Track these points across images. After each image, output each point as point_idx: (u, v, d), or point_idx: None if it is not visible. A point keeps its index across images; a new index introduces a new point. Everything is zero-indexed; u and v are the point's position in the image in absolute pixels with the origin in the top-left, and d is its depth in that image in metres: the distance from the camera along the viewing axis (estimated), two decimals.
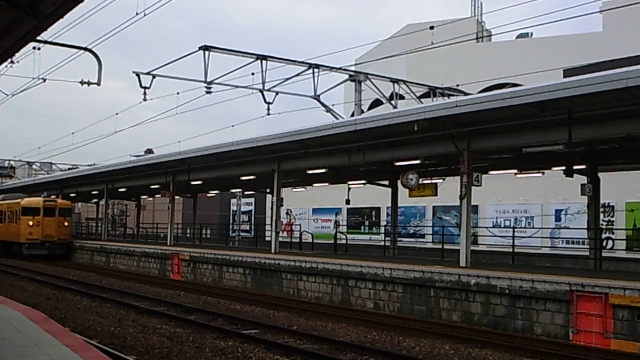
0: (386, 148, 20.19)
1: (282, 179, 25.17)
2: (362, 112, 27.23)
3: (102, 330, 13.39)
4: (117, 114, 46.27)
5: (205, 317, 15.77)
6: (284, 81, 23.34)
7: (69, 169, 50.64)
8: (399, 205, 28.37)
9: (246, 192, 43.76)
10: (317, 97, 24.06)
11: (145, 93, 22.07)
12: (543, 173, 22.07)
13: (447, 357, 11.74)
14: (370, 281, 18.15)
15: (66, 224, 38.46)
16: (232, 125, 52.88)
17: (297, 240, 34.78)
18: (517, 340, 13.39)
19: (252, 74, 22.52)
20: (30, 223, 36.75)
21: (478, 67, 36.48)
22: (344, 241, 33.37)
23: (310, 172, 25.52)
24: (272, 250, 24.85)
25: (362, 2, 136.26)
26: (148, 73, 22.08)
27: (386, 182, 27.44)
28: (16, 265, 32.12)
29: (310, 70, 23.30)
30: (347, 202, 30.97)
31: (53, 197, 40.75)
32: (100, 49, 26.78)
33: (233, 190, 41.65)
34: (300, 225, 41.67)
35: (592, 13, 29.92)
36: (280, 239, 25.99)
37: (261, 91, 22.78)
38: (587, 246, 22.79)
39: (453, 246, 23.89)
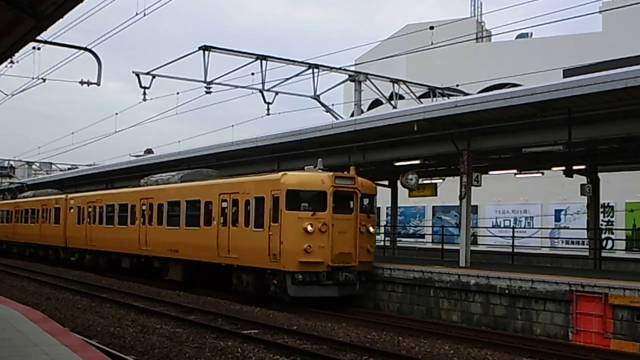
0: (386, 148, 20.19)
1: None
2: (362, 112, 27.21)
3: (102, 330, 13.38)
4: (117, 114, 46.04)
5: (205, 317, 15.76)
6: (283, 81, 23.35)
7: (69, 169, 50.50)
8: (399, 205, 28.34)
9: None
10: (317, 97, 24.05)
11: (145, 93, 22.09)
12: (543, 173, 22.07)
13: (447, 357, 11.74)
14: (370, 281, 18.12)
15: (371, 229, 18.40)
16: (232, 125, 52.71)
17: None
18: (516, 340, 13.42)
19: (252, 74, 22.54)
20: (309, 227, 16.87)
21: (478, 67, 36.43)
22: None
23: None
24: None
25: (361, 3, 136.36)
26: (148, 73, 22.07)
27: (386, 182, 27.37)
28: (16, 265, 32.02)
29: (310, 70, 23.28)
30: None
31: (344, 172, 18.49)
32: (100, 50, 26.70)
33: None
34: None
35: (592, 13, 29.95)
36: None
37: (261, 91, 22.77)
38: (587, 246, 22.79)
39: (453, 246, 23.88)
